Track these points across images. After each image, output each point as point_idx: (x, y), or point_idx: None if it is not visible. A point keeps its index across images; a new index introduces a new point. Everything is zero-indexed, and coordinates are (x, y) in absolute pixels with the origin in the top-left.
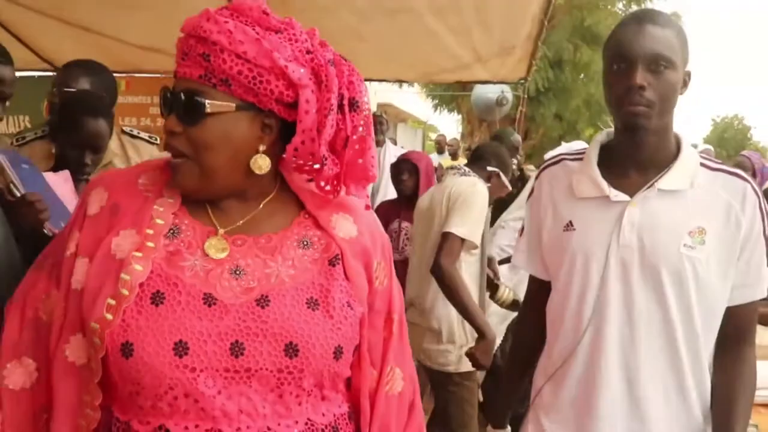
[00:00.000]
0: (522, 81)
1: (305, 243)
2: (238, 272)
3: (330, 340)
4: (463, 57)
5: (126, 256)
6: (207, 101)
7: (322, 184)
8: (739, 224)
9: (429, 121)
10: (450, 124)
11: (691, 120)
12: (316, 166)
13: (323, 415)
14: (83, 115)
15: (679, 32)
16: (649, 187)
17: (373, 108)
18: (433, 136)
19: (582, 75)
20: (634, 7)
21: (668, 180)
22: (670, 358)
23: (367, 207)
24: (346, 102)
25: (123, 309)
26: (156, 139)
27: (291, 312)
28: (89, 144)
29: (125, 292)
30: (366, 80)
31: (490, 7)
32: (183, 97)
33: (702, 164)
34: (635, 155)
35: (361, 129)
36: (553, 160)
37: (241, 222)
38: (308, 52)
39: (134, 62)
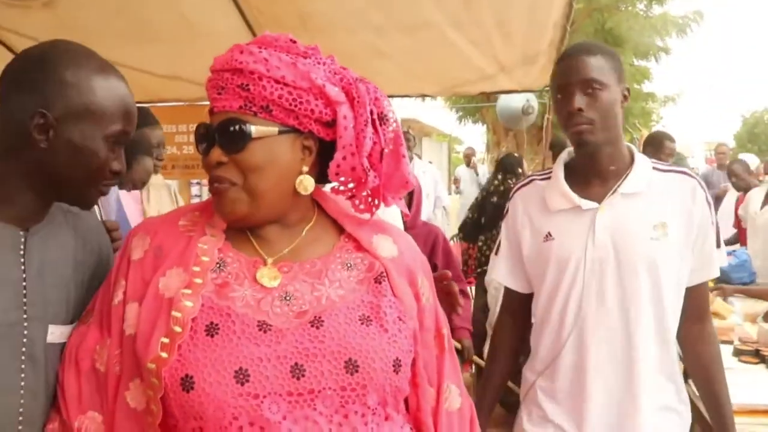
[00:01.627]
0: (547, 88)
1: (349, 265)
2: (288, 298)
3: (388, 353)
4: (485, 68)
5: (174, 294)
6: (252, 126)
7: (359, 203)
8: (692, 215)
9: (453, 134)
10: (475, 136)
11: (721, 117)
12: (351, 185)
13: None
14: (138, 155)
15: (610, 57)
16: (613, 193)
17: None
18: (459, 148)
19: None
20: (656, 8)
21: (628, 184)
22: (655, 336)
23: (405, 215)
24: (376, 116)
25: (177, 345)
26: None
27: (346, 329)
28: (139, 181)
29: (177, 329)
30: (389, 96)
31: (510, 16)
32: (225, 127)
33: (654, 168)
34: (595, 167)
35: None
36: (524, 182)
37: (286, 250)
38: (336, 72)
39: (157, 92)
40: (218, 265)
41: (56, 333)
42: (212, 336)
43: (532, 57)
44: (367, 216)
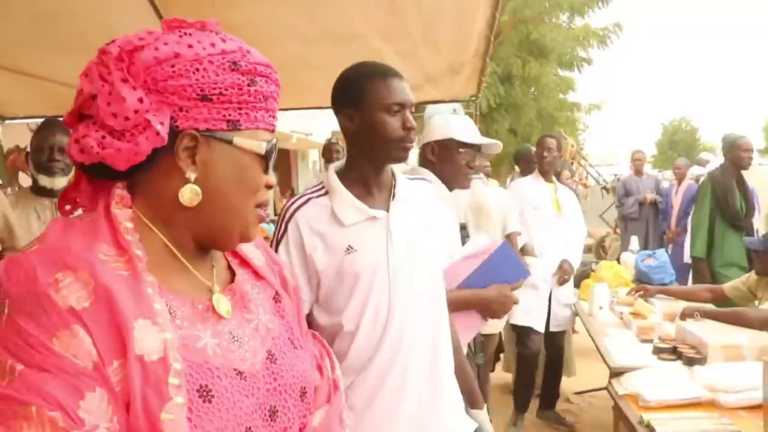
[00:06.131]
0: (473, 98)
1: (253, 286)
2: (236, 339)
3: (314, 370)
4: (412, 79)
5: (162, 355)
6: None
7: None
8: (440, 210)
9: None
10: None
11: (643, 125)
12: None
13: None
14: None
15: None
16: (393, 200)
17: (328, 135)
18: None
19: (532, 89)
20: (578, 20)
21: (400, 192)
22: (444, 326)
23: None
24: None
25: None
26: None
27: (291, 359)
28: None
29: (180, 399)
30: (319, 108)
31: (436, 27)
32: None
33: (408, 179)
34: (379, 180)
35: None
36: (301, 202)
37: (215, 277)
38: None
39: None
40: (170, 311)
41: None
42: (210, 401)
43: (458, 67)
44: None
